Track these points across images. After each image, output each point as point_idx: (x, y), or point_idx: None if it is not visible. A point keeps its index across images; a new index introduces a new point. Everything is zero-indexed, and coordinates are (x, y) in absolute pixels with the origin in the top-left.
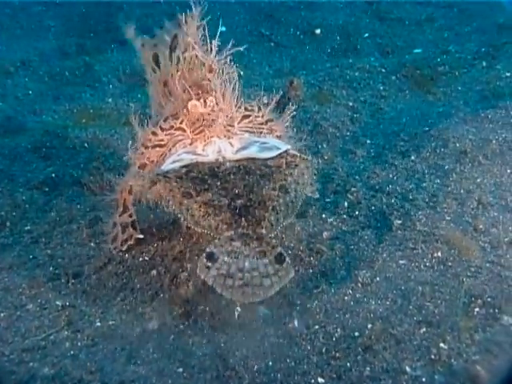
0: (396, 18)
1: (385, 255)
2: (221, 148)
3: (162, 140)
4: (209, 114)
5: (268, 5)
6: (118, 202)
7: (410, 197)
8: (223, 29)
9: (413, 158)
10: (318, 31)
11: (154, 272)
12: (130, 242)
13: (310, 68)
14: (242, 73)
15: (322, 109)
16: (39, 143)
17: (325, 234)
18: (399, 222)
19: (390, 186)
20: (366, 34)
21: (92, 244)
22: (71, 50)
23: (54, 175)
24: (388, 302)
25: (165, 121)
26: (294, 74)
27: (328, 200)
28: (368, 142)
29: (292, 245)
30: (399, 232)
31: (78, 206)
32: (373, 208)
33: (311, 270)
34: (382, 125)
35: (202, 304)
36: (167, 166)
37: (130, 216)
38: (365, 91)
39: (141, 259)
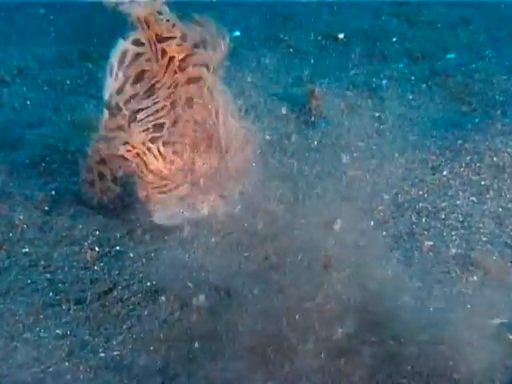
0: (426, 20)
1: (414, 279)
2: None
3: (160, 171)
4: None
5: (286, 7)
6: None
7: (442, 216)
8: (237, 33)
9: (445, 173)
10: (341, 36)
11: (162, 298)
12: (111, 196)
13: (333, 76)
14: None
15: (346, 120)
16: (38, 158)
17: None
18: (430, 243)
19: (420, 203)
20: (394, 39)
21: (96, 267)
22: (73, 56)
23: (54, 192)
24: None
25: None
26: (314, 83)
27: (353, 219)
28: (396, 155)
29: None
30: (430, 254)
31: (81, 226)
32: (401, 228)
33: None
34: (412, 137)
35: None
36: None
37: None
38: (392, 101)
39: (148, 284)
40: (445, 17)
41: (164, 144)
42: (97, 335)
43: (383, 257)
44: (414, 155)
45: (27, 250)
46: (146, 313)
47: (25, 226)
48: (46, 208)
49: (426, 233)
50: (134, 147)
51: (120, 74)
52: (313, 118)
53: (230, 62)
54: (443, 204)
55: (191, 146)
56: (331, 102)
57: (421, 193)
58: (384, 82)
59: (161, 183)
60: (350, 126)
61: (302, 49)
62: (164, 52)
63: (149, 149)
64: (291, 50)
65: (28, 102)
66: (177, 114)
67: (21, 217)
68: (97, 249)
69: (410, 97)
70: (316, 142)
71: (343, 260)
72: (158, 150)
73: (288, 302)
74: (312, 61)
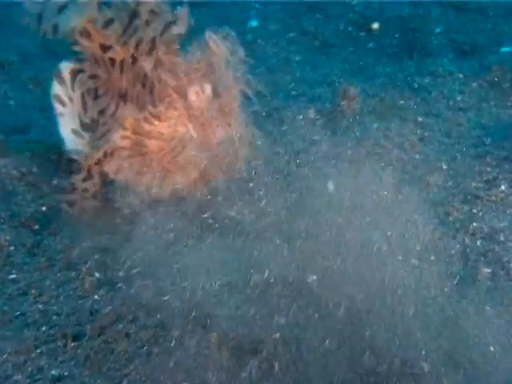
0: (476, 7)
1: (471, 313)
2: None
3: (161, 134)
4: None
5: None
6: (81, 166)
7: (502, 238)
8: (254, 23)
9: (503, 187)
10: (375, 26)
11: (175, 332)
12: (89, 212)
13: (367, 73)
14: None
15: (384, 125)
16: (26, 168)
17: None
18: (488, 270)
19: (475, 223)
20: (438, 29)
21: (96, 296)
22: (60, 48)
23: (45, 209)
24: None
25: (154, 107)
26: (346, 81)
27: (393, 238)
28: (444, 167)
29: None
30: (489, 283)
31: (77, 248)
32: (452, 252)
33: None
34: (461, 145)
35: None
36: None
37: (95, 186)
38: (438, 102)
39: (158, 315)
40: (498, 3)
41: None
42: (98, 377)
43: (432, 287)
44: (465, 167)
45: (15, 276)
46: (156, 350)
47: (12, 248)
48: (36, 227)
49: (482, 258)
50: (127, 129)
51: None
52: (344, 123)
53: (245, 57)
54: (501, 224)
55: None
56: (366, 104)
57: (475, 211)
58: (427, 80)
59: (170, 145)
60: (389, 133)
61: (330, 41)
62: (112, 61)
63: (144, 118)
64: (317, 44)
65: (11, 103)
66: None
67: (7, 237)
68: (97, 274)
69: (458, 98)
70: (349, 152)
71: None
72: (151, 114)
73: None
74: (342, 56)
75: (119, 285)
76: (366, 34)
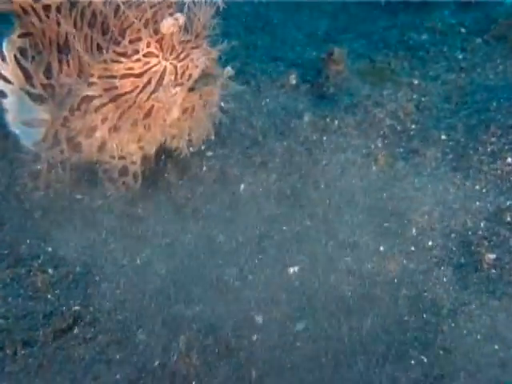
0: None
1: (473, 306)
2: None
3: (132, 68)
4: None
5: None
6: (46, 133)
7: (508, 218)
8: None
9: (510, 160)
10: None
11: (141, 336)
12: (57, 186)
13: (356, 29)
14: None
15: (376, 91)
16: None
17: (385, 274)
18: (492, 256)
19: (478, 202)
20: None
21: (50, 296)
22: None
23: None
24: None
25: (117, 45)
26: (333, 40)
27: (386, 225)
28: (443, 137)
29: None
30: (493, 271)
31: (28, 240)
32: (453, 236)
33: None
34: (463, 112)
35: None
36: None
37: (62, 153)
38: (437, 62)
39: (120, 316)
40: None
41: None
42: None
43: (430, 276)
44: (467, 137)
45: None
46: (117, 357)
47: None
48: None
49: (485, 242)
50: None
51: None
52: (331, 90)
53: (217, 14)
54: (508, 203)
55: None
56: (355, 68)
57: (477, 187)
58: (424, 36)
59: (143, 80)
60: (381, 100)
61: None
62: (47, 7)
63: (107, 60)
64: None
65: None
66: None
67: None
68: (50, 271)
69: (460, 56)
70: (336, 123)
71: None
72: (115, 52)
73: None
74: (329, 11)
75: (76, 282)
76: None
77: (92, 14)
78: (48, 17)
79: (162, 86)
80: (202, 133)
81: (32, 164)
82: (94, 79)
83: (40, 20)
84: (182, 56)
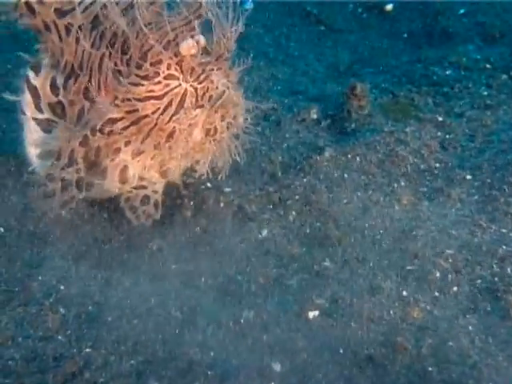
0: None
1: (500, 358)
2: None
3: (153, 91)
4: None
5: None
6: (60, 152)
7: None
8: (249, 5)
9: None
10: (389, 7)
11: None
12: (71, 206)
13: (379, 64)
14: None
15: (399, 127)
16: None
17: (407, 322)
18: None
19: (505, 246)
20: (462, 10)
21: (60, 337)
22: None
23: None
24: None
25: (138, 68)
26: (355, 74)
27: (409, 268)
28: (468, 177)
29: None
30: None
31: (40, 277)
32: (479, 282)
33: None
34: (489, 151)
35: None
36: None
37: (78, 172)
38: (461, 99)
39: (133, 361)
40: None
41: None
42: None
43: (454, 325)
44: (493, 177)
45: None
46: None
47: None
48: None
49: None
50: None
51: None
52: (353, 126)
53: (237, 44)
54: None
55: None
56: (377, 103)
57: (504, 231)
58: (449, 72)
59: (163, 102)
60: (404, 137)
61: (337, 26)
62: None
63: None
64: (323, 28)
65: None
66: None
67: None
68: (62, 310)
69: (485, 93)
70: (358, 160)
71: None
72: (137, 75)
73: None
74: (351, 43)
75: (88, 323)
76: (379, 17)
77: (113, 34)
78: (68, 35)
79: (183, 108)
80: (227, 157)
81: (45, 184)
82: (118, 101)
83: (60, 38)
84: (201, 77)
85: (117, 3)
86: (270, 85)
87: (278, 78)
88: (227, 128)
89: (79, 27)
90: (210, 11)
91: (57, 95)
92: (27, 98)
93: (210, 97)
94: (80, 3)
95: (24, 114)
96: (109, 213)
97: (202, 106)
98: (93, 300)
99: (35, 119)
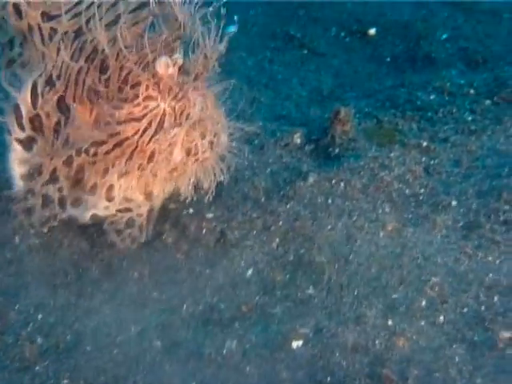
0: (489, 9)
1: None
2: None
3: (132, 113)
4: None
5: None
6: (42, 167)
7: None
8: (232, 28)
9: None
10: (372, 31)
11: None
12: (53, 223)
13: (362, 88)
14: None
15: (383, 152)
16: None
17: (393, 352)
18: (507, 334)
19: (491, 274)
20: (445, 35)
21: (38, 367)
22: None
23: None
24: None
25: (120, 91)
26: (338, 98)
27: (394, 296)
28: (453, 203)
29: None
30: (508, 351)
31: (17, 306)
32: (465, 310)
33: None
34: (474, 177)
35: None
36: None
37: (60, 190)
38: (446, 124)
39: None
40: None
41: None
42: None
43: (441, 355)
44: (479, 203)
45: None
46: None
47: None
48: None
49: (500, 319)
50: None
51: None
52: (337, 151)
53: (220, 67)
54: None
55: None
56: (361, 128)
57: (490, 259)
58: (432, 97)
59: (143, 124)
60: (389, 162)
61: (320, 50)
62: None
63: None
64: (306, 52)
65: None
66: None
67: None
68: (39, 340)
69: (469, 118)
70: (342, 185)
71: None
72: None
73: None
74: (334, 67)
75: (66, 353)
76: (362, 41)
77: (93, 49)
78: (51, 40)
79: (162, 129)
80: (212, 178)
81: (25, 198)
82: (101, 125)
83: (43, 42)
84: (179, 96)
85: (101, 18)
86: (253, 108)
87: (261, 102)
88: (210, 147)
89: (63, 34)
90: (192, 30)
91: (35, 107)
92: (11, 117)
93: (188, 115)
94: (68, 10)
95: (10, 134)
96: (88, 239)
97: (179, 125)
98: (72, 329)
99: (17, 139)
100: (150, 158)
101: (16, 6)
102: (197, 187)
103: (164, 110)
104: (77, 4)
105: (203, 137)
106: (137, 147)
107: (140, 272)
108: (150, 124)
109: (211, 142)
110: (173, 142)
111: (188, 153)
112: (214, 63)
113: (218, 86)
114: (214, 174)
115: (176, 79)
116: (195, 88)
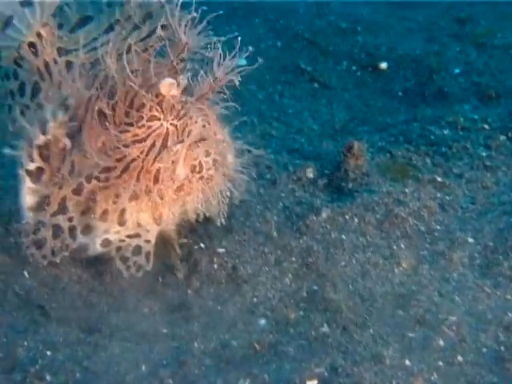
0: (502, 44)
1: None
2: None
3: (137, 135)
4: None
5: (309, 27)
6: (50, 198)
7: None
8: (242, 61)
9: None
10: (383, 65)
11: None
12: (65, 253)
13: (375, 122)
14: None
15: (397, 187)
16: None
17: None
18: None
19: (510, 314)
20: (457, 70)
21: None
22: None
23: None
24: None
25: (127, 115)
26: (351, 132)
27: (411, 335)
28: (470, 240)
29: None
30: None
31: (25, 342)
32: (484, 350)
33: None
34: (490, 214)
35: None
36: None
37: (70, 220)
38: (460, 159)
39: None
40: None
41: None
42: None
43: None
44: (496, 241)
45: None
46: None
47: None
48: None
49: None
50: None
51: None
52: (350, 185)
53: (230, 100)
54: None
55: None
56: (375, 162)
57: (509, 297)
58: (446, 132)
59: (147, 145)
60: (403, 197)
61: (331, 84)
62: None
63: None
64: (317, 86)
65: None
66: None
67: None
68: (48, 377)
69: (484, 154)
70: (356, 220)
71: None
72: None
73: None
74: (345, 101)
75: None
76: (374, 75)
77: (105, 77)
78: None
79: (166, 148)
80: (221, 197)
81: (36, 231)
82: (109, 150)
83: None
84: (181, 114)
85: (115, 46)
86: (264, 142)
87: (272, 135)
88: (214, 165)
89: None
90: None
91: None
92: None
93: (190, 131)
94: (86, 45)
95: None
96: (97, 273)
97: (181, 142)
98: (81, 366)
99: (27, 171)
100: (156, 178)
101: (33, 45)
102: (208, 219)
103: (167, 129)
104: (93, 40)
105: (207, 154)
106: (142, 168)
107: (150, 308)
108: (153, 144)
109: (215, 160)
110: (175, 158)
111: (192, 170)
112: (220, 87)
113: (220, 106)
114: (223, 195)
115: (178, 98)
116: (197, 107)
